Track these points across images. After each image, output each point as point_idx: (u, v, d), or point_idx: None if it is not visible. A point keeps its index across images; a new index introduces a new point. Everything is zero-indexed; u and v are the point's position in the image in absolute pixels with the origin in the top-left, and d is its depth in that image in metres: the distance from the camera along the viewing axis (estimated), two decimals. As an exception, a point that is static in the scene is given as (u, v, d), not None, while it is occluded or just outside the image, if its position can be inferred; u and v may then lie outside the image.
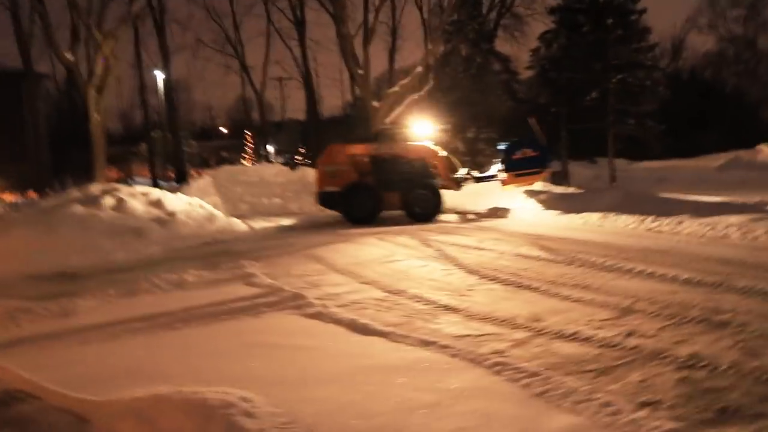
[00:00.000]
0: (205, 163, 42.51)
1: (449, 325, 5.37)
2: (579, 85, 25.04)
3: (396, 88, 20.29)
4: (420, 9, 25.43)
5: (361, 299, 6.46)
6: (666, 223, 10.36)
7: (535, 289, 6.50)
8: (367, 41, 20.52)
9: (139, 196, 13.04)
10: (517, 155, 13.76)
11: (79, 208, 11.70)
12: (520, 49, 30.61)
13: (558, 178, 29.78)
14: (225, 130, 63.95)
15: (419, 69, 20.22)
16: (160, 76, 40.58)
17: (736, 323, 4.86)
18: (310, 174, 22.42)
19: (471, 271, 7.60)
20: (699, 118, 48.45)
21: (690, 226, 9.91)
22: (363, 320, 5.43)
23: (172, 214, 12.77)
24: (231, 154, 56.10)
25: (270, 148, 55.38)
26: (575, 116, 25.80)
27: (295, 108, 68.99)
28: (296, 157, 41.25)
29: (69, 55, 16.53)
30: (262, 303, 6.27)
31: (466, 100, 25.23)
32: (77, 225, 10.44)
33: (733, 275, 6.47)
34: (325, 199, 15.13)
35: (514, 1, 28.10)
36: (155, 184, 27.40)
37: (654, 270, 7.02)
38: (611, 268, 7.35)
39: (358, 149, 14.90)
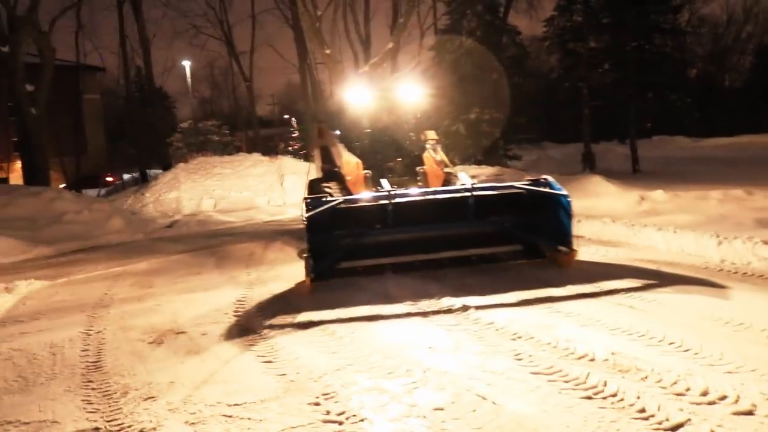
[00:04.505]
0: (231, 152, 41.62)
1: None
2: (597, 57, 22.09)
3: (365, 68, 18.40)
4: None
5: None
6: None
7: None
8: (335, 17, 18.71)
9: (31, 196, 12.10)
10: None
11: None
12: (536, 21, 27.75)
13: (586, 161, 26.89)
14: (292, 118, 62.63)
15: (390, 45, 18.21)
16: (187, 65, 40.57)
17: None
18: (286, 164, 21.10)
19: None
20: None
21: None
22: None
23: (62, 214, 11.74)
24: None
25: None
26: (598, 92, 22.90)
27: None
28: (280, 145, 39.67)
29: (4, 47, 15.79)
30: None
31: (468, 78, 22.86)
32: None
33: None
34: None
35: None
36: (143, 174, 27.17)
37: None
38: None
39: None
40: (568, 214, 6.14)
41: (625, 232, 7.57)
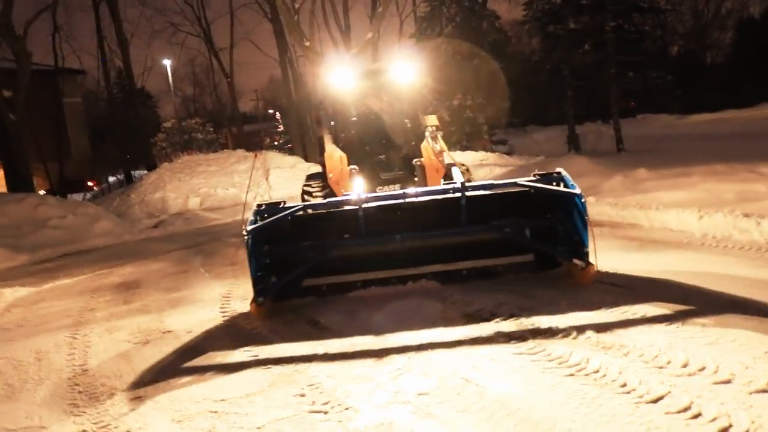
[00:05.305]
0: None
1: None
2: (577, 38, 22.11)
3: (346, 58, 18.33)
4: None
5: None
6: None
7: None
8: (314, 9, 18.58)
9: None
10: None
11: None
12: (515, 5, 27.74)
13: (570, 142, 27.02)
14: (276, 113, 62.05)
15: (370, 35, 18.13)
16: (168, 64, 40.18)
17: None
18: (272, 159, 21.03)
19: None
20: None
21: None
22: None
23: (47, 220, 11.65)
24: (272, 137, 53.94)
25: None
26: (580, 73, 22.96)
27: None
28: (266, 140, 39.58)
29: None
30: None
31: (450, 65, 22.84)
32: None
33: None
34: None
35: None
36: (128, 176, 27.03)
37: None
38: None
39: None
40: (583, 218, 4.78)
41: (608, 211, 7.63)
